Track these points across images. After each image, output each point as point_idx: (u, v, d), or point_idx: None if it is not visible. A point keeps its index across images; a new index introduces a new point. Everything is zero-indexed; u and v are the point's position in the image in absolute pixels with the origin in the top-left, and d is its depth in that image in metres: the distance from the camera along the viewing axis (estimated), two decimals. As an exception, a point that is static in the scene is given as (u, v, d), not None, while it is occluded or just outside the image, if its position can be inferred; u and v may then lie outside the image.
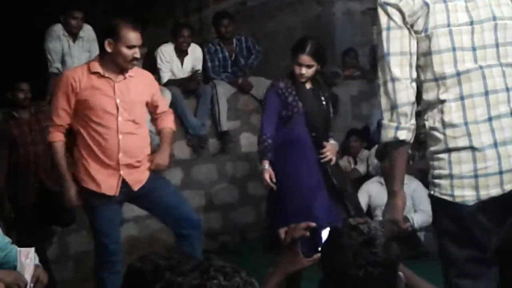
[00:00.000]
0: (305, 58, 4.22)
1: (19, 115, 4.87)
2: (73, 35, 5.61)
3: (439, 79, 2.38)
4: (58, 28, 5.61)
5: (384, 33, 2.41)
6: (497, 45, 2.39)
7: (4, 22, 7.41)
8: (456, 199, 2.37)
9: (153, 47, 6.18)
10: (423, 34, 2.38)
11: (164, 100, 4.32)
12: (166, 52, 6.17)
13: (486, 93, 2.35)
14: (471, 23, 2.38)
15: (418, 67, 2.43)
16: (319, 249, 1.81)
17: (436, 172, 2.41)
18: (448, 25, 2.37)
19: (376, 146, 6.04)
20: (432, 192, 2.44)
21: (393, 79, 2.39)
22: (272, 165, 4.34)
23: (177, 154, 5.93)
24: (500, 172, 2.33)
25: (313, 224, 1.95)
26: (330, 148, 4.34)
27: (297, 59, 4.24)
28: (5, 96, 4.88)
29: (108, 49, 3.75)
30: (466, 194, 2.35)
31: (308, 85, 4.33)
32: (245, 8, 7.90)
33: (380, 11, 2.43)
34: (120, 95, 3.83)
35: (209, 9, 8.32)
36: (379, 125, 2.51)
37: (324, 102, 4.35)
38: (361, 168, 6.17)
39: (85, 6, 5.89)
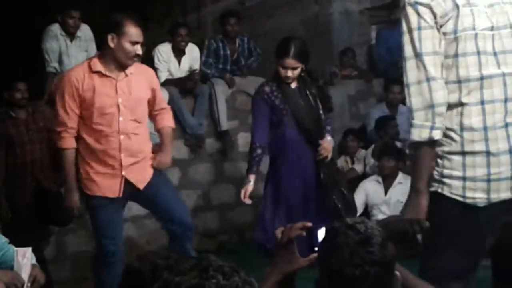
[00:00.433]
0: (290, 62, 4.18)
1: (16, 115, 4.86)
2: (71, 34, 5.61)
3: (462, 82, 2.40)
4: (56, 28, 5.60)
5: (415, 33, 2.40)
6: None
7: (1, 22, 7.40)
8: (467, 200, 2.41)
9: (150, 46, 6.18)
10: (452, 36, 2.40)
11: (163, 98, 4.32)
12: (163, 52, 6.17)
13: (506, 100, 2.39)
14: (492, 28, 2.42)
15: (445, 69, 2.44)
16: (316, 248, 1.82)
17: (447, 172, 2.43)
18: (474, 29, 2.39)
19: (373, 146, 6.05)
20: (439, 190, 2.44)
21: (429, 79, 2.38)
22: (270, 170, 4.35)
23: (174, 153, 5.92)
24: None
25: (309, 224, 1.95)
26: (325, 146, 4.30)
27: (282, 62, 4.19)
28: (2, 96, 4.86)
29: (111, 44, 3.70)
30: (477, 196, 2.40)
31: (293, 85, 4.30)
32: (243, 7, 7.89)
33: (410, 10, 2.42)
34: (122, 95, 3.79)
35: (207, 8, 8.32)
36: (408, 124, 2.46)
37: (312, 100, 4.31)
38: (358, 168, 6.17)
39: (82, 6, 5.88)
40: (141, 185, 3.89)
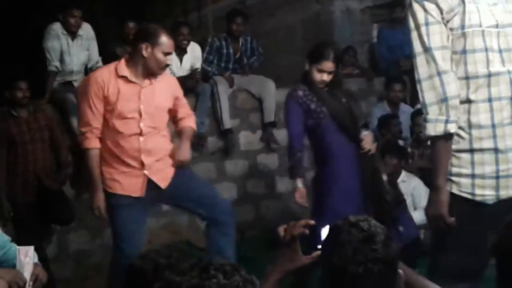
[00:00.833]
0: (330, 65, 4.14)
1: (17, 114, 4.87)
2: (72, 33, 5.61)
3: (470, 78, 2.41)
4: (57, 27, 5.60)
5: (423, 28, 2.41)
6: None
7: (2, 21, 7.40)
8: (476, 198, 2.42)
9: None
10: (459, 31, 2.40)
11: (187, 105, 4.25)
12: (165, 51, 6.16)
13: None
14: (497, 26, 2.43)
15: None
16: (319, 247, 1.81)
17: (456, 170, 2.44)
18: (480, 26, 2.41)
19: (376, 144, 6.03)
20: (448, 189, 2.44)
21: (441, 72, 2.39)
22: (315, 175, 4.29)
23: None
24: None
25: (312, 222, 1.95)
26: (367, 139, 4.23)
27: (320, 66, 4.14)
28: (3, 95, 4.86)
29: (144, 53, 3.73)
30: (486, 194, 2.41)
31: (324, 88, 4.26)
32: (244, 6, 7.89)
33: (417, 7, 2.42)
34: (145, 101, 3.80)
35: (207, 7, 8.31)
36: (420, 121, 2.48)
37: (344, 100, 4.29)
38: (361, 166, 6.16)
39: (84, 5, 5.88)
40: (163, 184, 3.88)
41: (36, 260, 2.89)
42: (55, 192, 4.95)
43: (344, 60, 7.15)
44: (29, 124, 4.89)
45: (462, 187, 2.43)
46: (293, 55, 7.61)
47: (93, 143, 3.80)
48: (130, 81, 3.78)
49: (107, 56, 5.87)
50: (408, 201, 5.21)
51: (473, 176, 2.41)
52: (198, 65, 6.23)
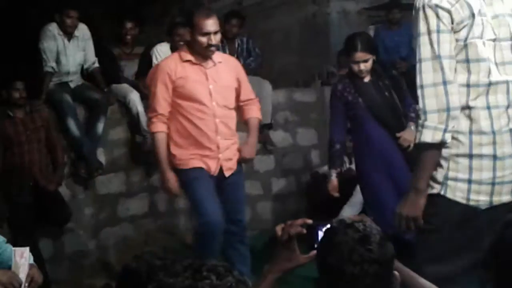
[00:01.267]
0: (360, 55, 4.27)
1: (14, 114, 4.86)
2: (68, 34, 5.59)
3: (471, 86, 2.42)
4: (53, 27, 5.59)
5: (434, 35, 2.40)
6: None
7: (-1, 21, 7.39)
8: (470, 203, 2.43)
9: (149, 46, 6.17)
10: (462, 43, 2.42)
11: (250, 88, 4.43)
12: (161, 51, 6.14)
13: (508, 106, 2.44)
14: (494, 40, 2.46)
15: None
16: (315, 246, 1.82)
17: (452, 174, 2.45)
18: (481, 38, 2.43)
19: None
20: (441, 192, 2.46)
21: (446, 82, 2.39)
22: (356, 165, 4.49)
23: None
24: None
25: (310, 221, 1.95)
26: (405, 137, 4.29)
27: (352, 57, 4.30)
28: (0, 95, 4.86)
29: (189, 38, 4.01)
30: (481, 199, 2.43)
31: (367, 79, 4.36)
32: (240, 7, 7.89)
33: (430, 12, 2.41)
34: (213, 82, 4.01)
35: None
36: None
37: (386, 91, 4.36)
38: (356, 167, 6.16)
39: (80, 5, 5.87)
40: (228, 173, 4.07)
41: (31, 261, 2.88)
42: (51, 192, 4.95)
43: (341, 62, 7.15)
44: (26, 124, 4.88)
45: (457, 191, 2.44)
46: (290, 56, 7.61)
47: (160, 127, 4.03)
48: (195, 64, 4.00)
49: (103, 57, 5.88)
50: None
51: (470, 181, 2.42)
52: (195, 65, 6.23)
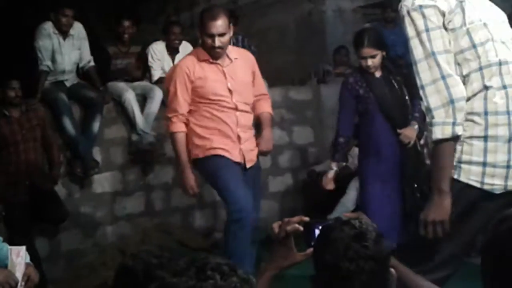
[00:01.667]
0: (367, 50, 4.29)
1: (9, 113, 4.86)
2: (64, 33, 5.58)
3: (483, 68, 2.42)
4: (49, 26, 5.58)
5: (423, 35, 2.41)
6: None
7: (-6, 20, 7.38)
8: (485, 187, 2.41)
9: (144, 44, 6.17)
10: (463, 29, 2.42)
11: (263, 83, 4.48)
12: (157, 50, 6.16)
13: None
14: (488, 20, 2.48)
15: (457, 64, 2.45)
16: (312, 244, 1.82)
17: (466, 157, 2.42)
18: (480, 20, 2.45)
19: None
20: (455, 176, 2.42)
21: (445, 76, 2.39)
22: (360, 157, 4.51)
23: (169, 151, 5.92)
24: None
25: (306, 218, 1.95)
26: (406, 134, 4.31)
27: (359, 53, 4.33)
28: (-5, 94, 4.86)
29: (200, 39, 4.04)
30: (496, 183, 2.41)
31: (378, 74, 4.39)
32: (236, 5, 7.89)
33: (415, 15, 2.43)
34: (231, 79, 4.05)
35: (199, 6, 8.30)
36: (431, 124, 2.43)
37: (397, 87, 4.37)
38: (352, 165, 6.17)
39: (76, 4, 5.86)
40: (248, 164, 4.10)
41: (28, 260, 2.88)
42: (47, 191, 4.94)
43: (336, 60, 7.16)
44: (21, 123, 4.88)
45: (472, 174, 2.41)
46: (285, 54, 7.61)
47: (178, 127, 4.06)
48: (212, 63, 4.03)
49: (99, 56, 5.87)
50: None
51: (484, 164, 2.39)
52: (190, 64, 6.23)
